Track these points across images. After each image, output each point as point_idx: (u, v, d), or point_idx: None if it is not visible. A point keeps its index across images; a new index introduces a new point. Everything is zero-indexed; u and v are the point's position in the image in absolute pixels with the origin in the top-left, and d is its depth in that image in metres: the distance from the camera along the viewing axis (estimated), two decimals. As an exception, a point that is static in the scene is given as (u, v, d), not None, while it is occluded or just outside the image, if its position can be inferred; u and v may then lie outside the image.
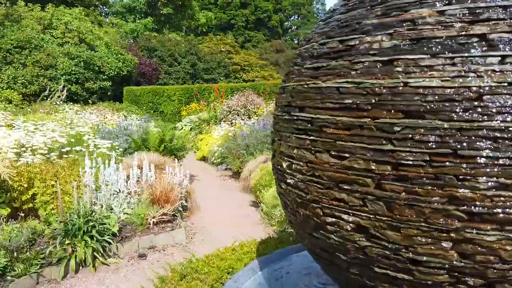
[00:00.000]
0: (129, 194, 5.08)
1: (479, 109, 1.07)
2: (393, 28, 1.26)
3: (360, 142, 1.24)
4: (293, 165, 1.52)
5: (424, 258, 1.19)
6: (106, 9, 32.86)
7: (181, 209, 5.40)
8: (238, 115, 11.17)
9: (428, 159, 1.12)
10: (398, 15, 1.27)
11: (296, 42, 58.61)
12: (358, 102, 1.26)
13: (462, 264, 1.15)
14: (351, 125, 1.27)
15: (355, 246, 1.34)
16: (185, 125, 13.64)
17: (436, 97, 1.12)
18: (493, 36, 1.11)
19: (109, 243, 4.09)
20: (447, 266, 1.17)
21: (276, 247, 2.87)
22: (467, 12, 1.16)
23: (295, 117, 1.51)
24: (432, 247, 1.17)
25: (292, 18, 61.99)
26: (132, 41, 25.46)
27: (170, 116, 16.07)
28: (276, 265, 2.46)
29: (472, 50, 1.11)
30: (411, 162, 1.15)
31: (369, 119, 1.23)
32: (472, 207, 1.09)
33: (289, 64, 1.79)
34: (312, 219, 1.47)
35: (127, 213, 4.86)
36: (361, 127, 1.25)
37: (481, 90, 1.08)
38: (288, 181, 1.56)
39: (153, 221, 4.74)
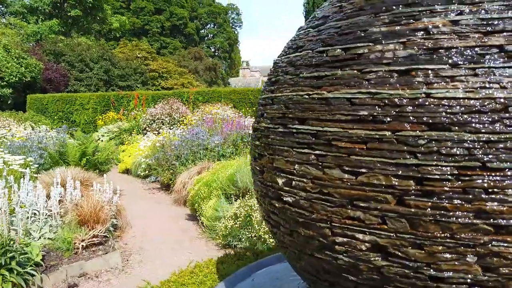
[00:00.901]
0: (51, 216, 4.50)
1: (506, 121, 1.06)
2: (406, 37, 1.21)
3: (380, 156, 1.17)
4: (293, 182, 1.40)
5: (447, 274, 1.15)
6: (2, 9, 29.59)
7: (112, 229, 4.94)
8: (163, 124, 10.72)
9: (456, 172, 1.08)
10: (409, 23, 1.23)
11: (213, 50, 58.82)
12: (375, 113, 1.19)
13: (486, 278, 1.13)
14: (368, 139, 1.19)
15: (369, 267, 1.26)
16: (102, 135, 12.72)
17: (462, 109, 1.09)
18: (510, 47, 1.11)
19: (32, 275, 3.55)
20: (469, 281, 1.14)
21: (237, 265, 2.71)
22: (482, 22, 1.15)
23: (294, 130, 1.40)
24: (456, 263, 1.13)
25: (208, 26, 62.06)
26: (35, 44, 23.20)
27: (84, 126, 14.88)
28: (244, 285, 2.31)
29: (493, 61, 1.10)
30: (437, 177, 1.10)
31: (389, 132, 1.16)
32: (500, 220, 1.07)
33: (273, 72, 1.67)
34: (316, 240, 1.36)
35: (49, 238, 4.28)
36: (380, 141, 1.17)
37: (506, 102, 1.07)
38: (286, 199, 1.43)
39: (82, 245, 4.24)
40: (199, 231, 5.17)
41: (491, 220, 1.08)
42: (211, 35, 61.11)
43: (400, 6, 1.28)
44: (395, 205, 1.17)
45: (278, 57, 1.75)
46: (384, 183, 1.17)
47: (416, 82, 1.15)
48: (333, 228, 1.30)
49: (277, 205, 1.50)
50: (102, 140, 12.05)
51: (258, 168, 1.64)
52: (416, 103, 1.13)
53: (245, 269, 2.49)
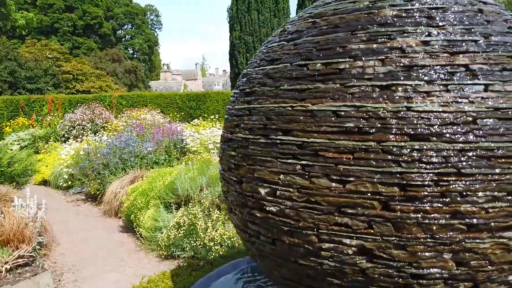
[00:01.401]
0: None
1: (476, 131, 1.20)
2: (384, 55, 1.31)
3: (367, 165, 1.25)
4: (277, 191, 1.43)
5: (426, 271, 1.27)
6: None
7: (38, 247, 4.52)
8: (84, 130, 10.06)
9: (436, 178, 1.20)
10: (385, 42, 1.33)
11: (131, 52, 56.55)
12: (360, 125, 1.27)
13: (458, 271, 1.27)
14: (354, 149, 1.27)
15: (354, 269, 1.33)
16: (12, 143, 11.54)
17: (439, 121, 1.21)
18: (474, 66, 1.26)
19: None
20: (445, 275, 1.27)
21: (194, 276, 2.66)
22: (448, 43, 1.30)
23: (277, 141, 1.43)
24: (434, 260, 1.25)
25: (125, 27, 59.51)
26: None
27: (-13, 133, 13.35)
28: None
29: (461, 79, 1.24)
30: (419, 183, 1.21)
31: (375, 143, 1.25)
32: (472, 219, 1.21)
33: (247, 83, 1.68)
34: (301, 247, 1.41)
35: (-36, 263, 3.79)
36: (366, 151, 1.26)
37: (474, 114, 1.21)
38: (269, 208, 1.46)
39: (6, 268, 3.83)
40: (137, 243, 4.95)
41: (465, 220, 1.21)
42: (129, 36, 58.71)
43: (375, 25, 1.38)
44: (381, 210, 1.25)
45: (249, 68, 1.77)
46: (371, 190, 1.25)
47: (397, 97, 1.25)
48: (320, 235, 1.36)
49: (258, 214, 1.52)
50: (11, 149, 10.91)
51: (234, 179, 1.64)
52: (399, 115, 1.23)
53: (204, 279, 2.46)
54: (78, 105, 11.50)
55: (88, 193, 7.41)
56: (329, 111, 1.33)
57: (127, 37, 58.96)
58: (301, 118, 1.38)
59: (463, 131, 1.20)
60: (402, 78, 1.27)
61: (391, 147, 1.23)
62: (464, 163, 1.20)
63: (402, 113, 1.24)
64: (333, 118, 1.32)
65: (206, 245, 4.21)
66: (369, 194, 1.26)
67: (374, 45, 1.34)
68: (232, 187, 1.68)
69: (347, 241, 1.31)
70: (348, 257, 1.33)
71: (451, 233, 1.22)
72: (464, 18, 1.35)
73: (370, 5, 1.45)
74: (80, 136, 9.25)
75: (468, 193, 1.20)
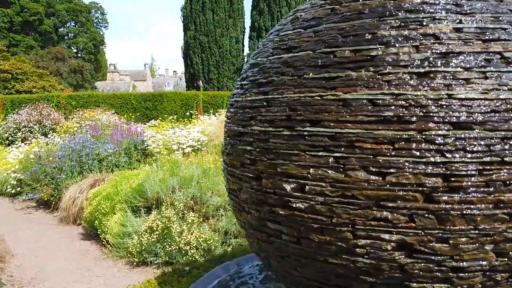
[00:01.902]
0: None
1: (517, 119, 1.18)
2: (418, 41, 1.27)
3: (409, 156, 1.19)
4: (306, 187, 1.33)
5: (467, 264, 1.23)
6: None
7: (-10, 260, 4.09)
8: (31, 133, 9.36)
9: (480, 168, 1.17)
10: (417, 28, 1.29)
11: (75, 50, 53.86)
12: (400, 114, 1.21)
13: (497, 262, 1.25)
14: (395, 139, 1.21)
15: (392, 266, 1.27)
16: None
17: (481, 108, 1.18)
18: (507, 54, 1.25)
19: None
20: (485, 267, 1.24)
21: (185, 283, 2.50)
22: (480, 31, 1.27)
23: (305, 133, 1.34)
24: (476, 252, 1.22)
25: (68, 25, 56.62)
26: None
27: None
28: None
29: (497, 66, 1.22)
30: (464, 173, 1.17)
31: (416, 132, 1.19)
32: (514, 208, 1.19)
33: (260, 73, 1.57)
34: (333, 245, 1.33)
35: None
36: (407, 141, 1.20)
37: (514, 102, 1.19)
38: (297, 205, 1.36)
39: (-44, 285, 3.41)
40: (103, 251, 4.63)
41: (508, 209, 1.19)
42: (72, 35, 55.92)
43: (403, 11, 1.33)
44: (424, 203, 1.20)
45: (258, 58, 1.67)
46: (413, 181, 1.20)
47: (437, 84, 1.20)
48: (356, 231, 1.28)
49: (282, 212, 1.41)
50: None
51: (250, 175, 1.53)
52: (440, 103, 1.19)
53: (197, 285, 2.31)
54: (23, 105, 10.67)
55: (40, 199, 6.86)
56: (364, 99, 1.25)
57: (70, 35, 56.12)
58: (333, 107, 1.29)
59: (505, 118, 1.18)
60: (439, 65, 1.23)
61: (433, 136, 1.18)
62: (507, 152, 1.17)
63: (443, 100, 1.19)
64: (369, 107, 1.25)
65: (182, 249, 4.02)
66: (411, 186, 1.20)
67: (406, 32, 1.29)
68: (246, 184, 1.56)
69: (386, 236, 1.25)
70: (387, 253, 1.26)
71: (494, 224, 1.20)
72: (490, 7, 1.34)
73: (394, -9, 1.40)
74: (30, 139, 8.57)
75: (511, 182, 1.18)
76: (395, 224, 1.23)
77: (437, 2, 1.34)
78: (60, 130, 8.64)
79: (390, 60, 1.27)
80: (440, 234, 1.21)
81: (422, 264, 1.25)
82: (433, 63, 1.23)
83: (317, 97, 1.33)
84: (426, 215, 1.20)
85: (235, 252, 3.98)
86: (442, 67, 1.22)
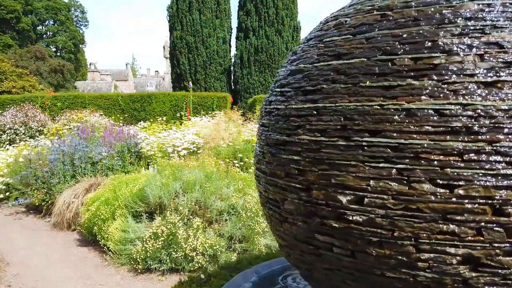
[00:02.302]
0: None
1: None
2: (482, 50, 1.24)
3: (479, 168, 1.16)
4: (365, 199, 1.29)
5: (532, 276, 1.21)
6: None
7: (-15, 270, 3.91)
8: (17, 135, 9.07)
9: (552, 179, 1.15)
10: (480, 36, 1.26)
11: (54, 49, 52.67)
12: (469, 125, 1.18)
13: (561, 274, 1.23)
14: (464, 150, 1.17)
15: (455, 280, 1.24)
16: None
17: (551, 120, 1.16)
18: None
19: None
20: (548, 279, 1.23)
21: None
22: (543, 40, 1.25)
23: (364, 143, 1.29)
24: (542, 264, 1.20)
25: (47, 23, 55.34)
26: None
27: None
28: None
29: None
30: (535, 184, 1.15)
31: (486, 143, 1.17)
32: None
33: (305, 80, 1.52)
34: (392, 259, 1.29)
35: None
36: (477, 152, 1.17)
37: None
38: (354, 218, 1.32)
39: (-47, 298, 3.25)
40: (103, 258, 4.50)
41: None
42: (51, 33, 54.69)
43: (462, 19, 1.31)
44: (493, 216, 1.18)
45: (300, 64, 1.61)
46: (483, 194, 1.17)
47: (506, 94, 1.18)
48: (419, 245, 1.25)
49: (335, 225, 1.37)
50: None
51: (298, 186, 1.48)
52: (510, 114, 1.16)
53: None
54: (7, 106, 10.32)
55: (30, 204, 6.65)
56: (430, 109, 1.22)
57: (49, 33, 54.89)
58: (395, 117, 1.25)
59: None
60: (506, 74, 1.20)
61: (504, 147, 1.16)
62: None
63: (513, 111, 1.17)
64: (435, 117, 1.21)
65: (188, 255, 3.94)
66: (480, 199, 1.17)
67: (468, 40, 1.26)
68: (292, 195, 1.51)
69: (452, 250, 1.22)
70: (451, 267, 1.23)
71: (562, 235, 1.18)
72: (546, 16, 1.33)
73: (447, -2, 1.38)
74: (18, 142, 8.29)
75: None
76: (462, 237, 1.20)
77: (496, 9, 1.31)
78: (48, 132, 8.39)
79: (454, 68, 1.24)
80: (508, 248, 1.18)
81: (488, 278, 1.22)
82: (500, 72, 1.21)
83: (377, 106, 1.29)
84: (495, 228, 1.18)
85: (243, 258, 3.92)
86: (509, 76, 1.20)
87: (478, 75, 1.21)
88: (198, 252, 3.96)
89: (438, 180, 1.20)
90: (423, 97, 1.24)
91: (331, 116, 1.39)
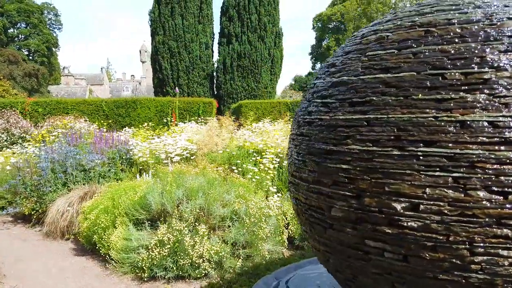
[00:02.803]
0: None
1: None
2: (528, 65, 1.34)
3: (532, 175, 1.25)
4: (421, 206, 1.36)
5: None
6: None
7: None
8: (-2, 142, 8.79)
9: None
10: (524, 53, 1.36)
11: (26, 53, 51.23)
12: (521, 136, 1.27)
13: None
14: (517, 159, 1.27)
15: (506, 280, 1.33)
16: None
17: None
18: None
19: None
20: None
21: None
22: None
23: (419, 153, 1.37)
24: None
25: (19, 26, 53.82)
26: None
27: None
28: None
29: None
30: None
31: (537, 153, 1.26)
32: None
33: (351, 92, 1.59)
34: (446, 262, 1.36)
35: None
36: (530, 161, 1.26)
37: None
38: (408, 224, 1.39)
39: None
40: (103, 267, 4.43)
41: None
42: (23, 36, 53.22)
43: (505, 36, 1.40)
44: (544, 220, 1.27)
45: (344, 76, 1.68)
46: (535, 200, 1.26)
47: (553, 107, 1.28)
48: (473, 248, 1.33)
49: (388, 231, 1.43)
50: None
51: (348, 193, 1.54)
52: (558, 125, 1.26)
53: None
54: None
55: (18, 213, 6.46)
56: (484, 121, 1.31)
57: (20, 36, 53.40)
58: (450, 128, 1.34)
59: None
60: (553, 89, 1.30)
61: (554, 156, 1.25)
62: None
63: (561, 123, 1.27)
64: (490, 129, 1.30)
65: (195, 262, 3.94)
66: (532, 205, 1.26)
67: (515, 56, 1.36)
68: (341, 203, 1.57)
69: (505, 252, 1.30)
70: (503, 268, 1.32)
71: None
72: None
73: (487, 17, 1.48)
74: (4, 149, 8.03)
75: None
76: (515, 241, 1.29)
77: (533, 28, 1.42)
78: (33, 139, 8.17)
79: (504, 83, 1.33)
80: (558, 249, 1.28)
81: (537, 278, 1.31)
82: (546, 87, 1.31)
83: (431, 118, 1.37)
84: (546, 231, 1.27)
85: (259, 263, 3.95)
86: (555, 91, 1.30)
87: (527, 89, 1.31)
88: (204, 258, 3.96)
89: (493, 187, 1.28)
90: (476, 109, 1.33)
91: (384, 127, 1.46)
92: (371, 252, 1.53)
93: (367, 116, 1.51)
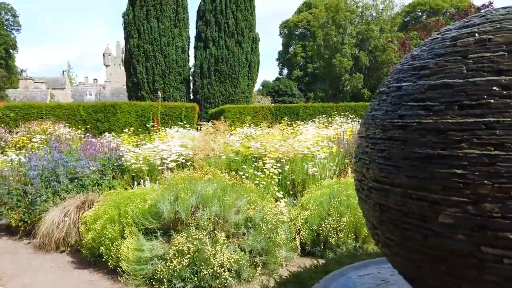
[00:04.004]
0: None
1: None
2: None
3: None
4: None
5: None
6: None
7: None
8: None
9: None
10: None
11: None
12: None
13: None
14: None
15: None
16: None
17: None
18: None
19: None
20: None
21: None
22: None
23: (551, 157, 1.35)
24: None
25: (-27, 26, 50.96)
26: None
27: None
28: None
29: None
30: None
31: None
32: None
33: (469, 95, 1.55)
34: None
35: None
36: None
37: None
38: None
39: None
40: (112, 280, 4.18)
41: None
42: (-23, 38, 50.44)
43: None
44: None
45: (445, 79, 1.64)
46: None
47: None
48: None
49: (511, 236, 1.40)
50: None
51: (463, 199, 1.49)
52: None
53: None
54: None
55: (3, 225, 6.02)
56: None
57: (-27, 37, 50.59)
58: None
59: None
60: None
61: None
62: None
63: None
64: None
65: (216, 272, 3.80)
66: None
67: None
68: (453, 209, 1.52)
69: None
70: None
71: None
72: None
73: None
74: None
75: None
76: None
77: None
78: (14, 146, 7.67)
79: None
80: None
81: None
82: None
83: None
84: None
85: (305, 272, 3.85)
86: None
87: None
88: (225, 268, 3.83)
89: None
90: None
91: (507, 130, 1.42)
92: (487, 259, 1.49)
93: (485, 119, 1.48)
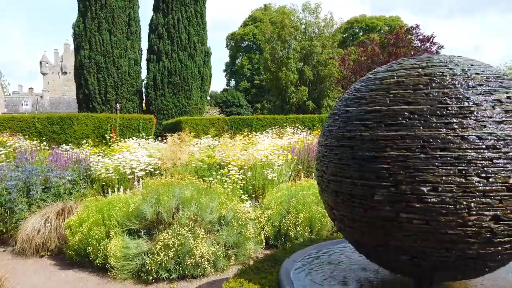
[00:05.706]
0: None
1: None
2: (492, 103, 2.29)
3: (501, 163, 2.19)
4: (439, 187, 2.22)
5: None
6: None
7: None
8: None
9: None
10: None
11: None
12: (494, 144, 2.20)
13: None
14: (494, 159, 2.19)
15: (487, 230, 2.24)
16: None
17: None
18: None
19: None
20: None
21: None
22: (516, 98, 2.37)
23: (437, 155, 2.23)
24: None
25: None
26: None
27: None
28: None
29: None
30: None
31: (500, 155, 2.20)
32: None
33: (391, 117, 2.41)
34: (453, 222, 2.23)
35: None
36: (499, 158, 2.19)
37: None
38: (431, 200, 2.23)
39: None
40: (100, 276, 4.67)
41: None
42: None
43: (478, 85, 2.35)
44: (508, 191, 2.20)
45: (377, 106, 2.50)
46: (502, 180, 2.19)
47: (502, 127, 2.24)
48: (470, 211, 2.21)
49: (417, 205, 2.26)
50: None
51: (389, 184, 2.34)
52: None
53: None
54: None
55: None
56: (473, 135, 2.21)
57: None
58: (455, 140, 2.22)
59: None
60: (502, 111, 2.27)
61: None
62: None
63: (512, 136, 2.23)
64: (477, 140, 2.21)
65: (197, 262, 4.45)
66: (500, 185, 2.19)
67: (482, 97, 2.31)
68: (382, 190, 2.36)
69: (486, 212, 2.21)
70: (485, 223, 2.22)
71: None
72: None
73: (464, 71, 2.42)
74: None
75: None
76: (492, 205, 2.20)
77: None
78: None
79: (483, 113, 2.26)
80: (514, 209, 2.22)
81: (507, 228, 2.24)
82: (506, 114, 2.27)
83: (443, 134, 2.24)
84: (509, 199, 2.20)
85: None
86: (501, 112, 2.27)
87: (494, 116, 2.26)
88: (204, 258, 4.49)
89: (482, 174, 2.19)
90: (469, 128, 2.23)
91: (412, 139, 2.30)
92: (403, 221, 2.34)
93: (400, 133, 2.34)
